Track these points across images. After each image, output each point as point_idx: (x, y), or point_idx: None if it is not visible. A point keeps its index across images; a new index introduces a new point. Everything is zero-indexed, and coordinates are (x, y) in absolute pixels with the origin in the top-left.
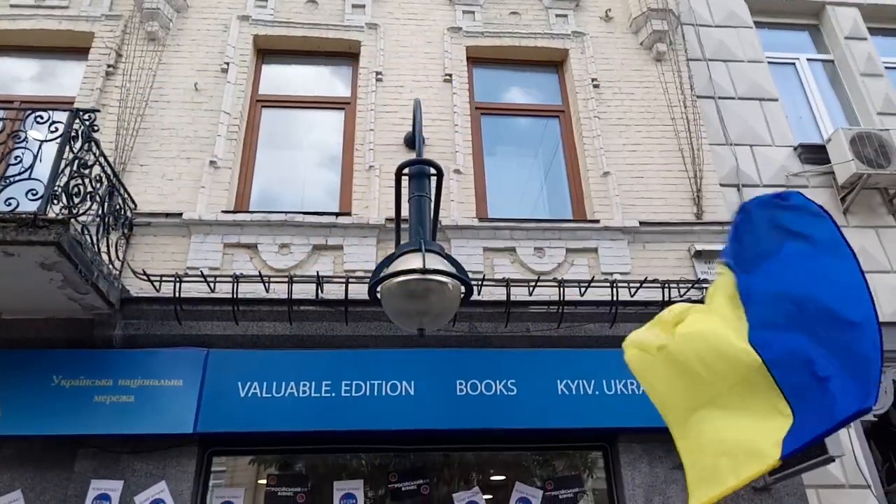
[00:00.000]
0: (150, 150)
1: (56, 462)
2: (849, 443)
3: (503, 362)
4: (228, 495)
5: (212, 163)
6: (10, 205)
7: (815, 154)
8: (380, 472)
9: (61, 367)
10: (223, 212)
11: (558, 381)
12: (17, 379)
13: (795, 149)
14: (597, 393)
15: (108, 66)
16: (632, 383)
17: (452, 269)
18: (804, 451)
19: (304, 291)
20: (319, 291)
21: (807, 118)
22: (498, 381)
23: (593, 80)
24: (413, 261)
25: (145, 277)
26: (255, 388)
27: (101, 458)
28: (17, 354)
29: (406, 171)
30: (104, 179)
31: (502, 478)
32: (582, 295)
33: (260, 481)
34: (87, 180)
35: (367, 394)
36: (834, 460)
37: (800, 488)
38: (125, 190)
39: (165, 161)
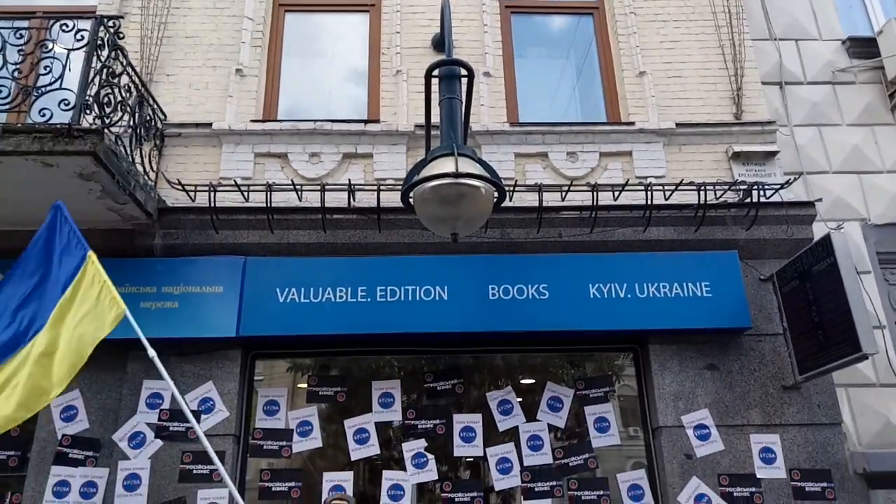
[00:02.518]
0: (175, 59)
1: (109, 364)
2: (882, 342)
3: (535, 267)
4: (272, 394)
5: (237, 71)
6: (44, 115)
7: (864, 48)
8: (415, 372)
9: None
10: (252, 121)
11: (590, 285)
12: None
13: (843, 42)
14: (628, 296)
15: None
16: (664, 286)
17: (485, 173)
18: None
19: (336, 200)
20: (351, 200)
21: (857, 9)
22: (530, 286)
23: None
24: (445, 165)
25: (180, 187)
26: (293, 294)
27: (152, 360)
28: None
29: (435, 73)
30: (133, 89)
31: (532, 381)
32: (615, 199)
33: (300, 385)
34: (116, 90)
35: (402, 299)
36: (867, 358)
37: (829, 387)
38: (154, 100)
39: (191, 70)
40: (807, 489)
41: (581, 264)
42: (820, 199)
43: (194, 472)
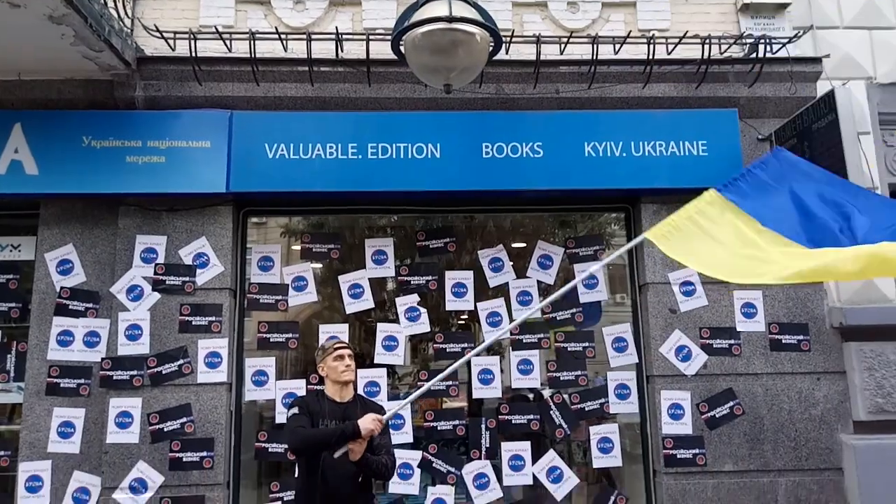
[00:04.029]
0: None
1: (100, 219)
2: None
3: (530, 125)
4: (266, 251)
5: None
6: None
7: None
8: (408, 231)
9: (89, 129)
10: None
11: (585, 143)
12: (48, 139)
13: None
14: (623, 155)
15: None
16: (660, 145)
17: (480, 18)
18: None
19: (323, 51)
20: (339, 51)
21: None
22: (524, 144)
23: None
24: (438, 8)
25: (159, 35)
26: (282, 150)
27: (143, 215)
28: (43, 115)
29: None
30: None
31: (523, 245)
32: (616, 53)
33: (294, 247)
34: None
35: (393, 156)
36: None
37: None
38: None
39: None
40: (783, 341)
41: (577, 122)
42: (828, 55)
43: (193, 323)
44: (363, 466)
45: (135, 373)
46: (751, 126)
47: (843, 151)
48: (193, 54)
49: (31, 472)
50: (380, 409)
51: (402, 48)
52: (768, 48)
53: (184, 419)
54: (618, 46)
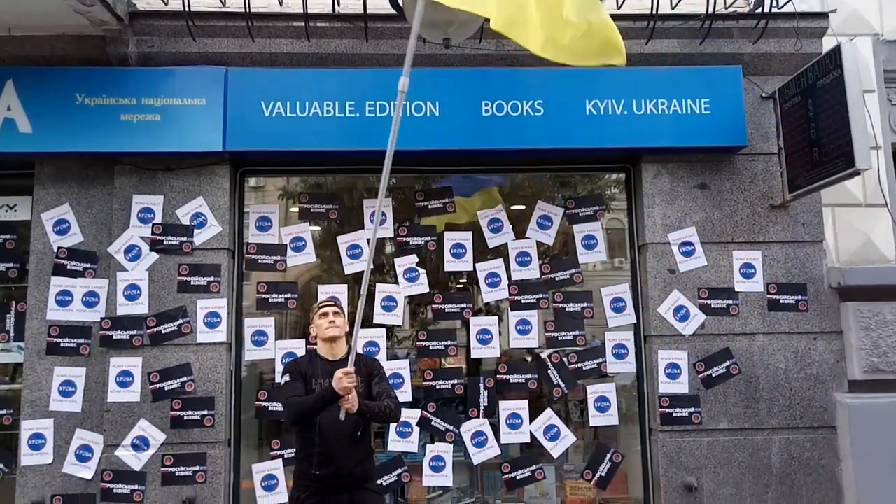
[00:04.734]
0: None
1: (96, 178)
2: (875, 162)
3: (531, 82)
4: (264, 211)
5: None
6: None
7: None
8: (407, 191)
9: (82, 86)
10: None
11: (586, 101)
12: (41, 96)
13: None
14: (625, 113)
15: None
16: (662, 103)
17: None
18: None
19: (319, 6)
20: (336, 5)
21: None
22: (525, 102)
23: None
24: None
25: None
26: (279, 108)
27: (139, 175)
28: (35, 72)
29: None
30: None
31: (522, 207)
32: (619, 7)
33: (292, 208)
34: None
35: (392, 114)
36: (859, 173)
37: (816, 206)
38: None
39: None
40: (781, 301)
41: (578, 79)
42: (834, 11)
43: (192, 283)
44: (365, 415)
45: (134, 332)
46: (754, 83)
47: (848, 109)
48: (187, 9)
49: (33, 429)
50: (372, 364)
51: (400, 2)
52: (774, 2)
53: (184, 378)
54: (620, 1)
